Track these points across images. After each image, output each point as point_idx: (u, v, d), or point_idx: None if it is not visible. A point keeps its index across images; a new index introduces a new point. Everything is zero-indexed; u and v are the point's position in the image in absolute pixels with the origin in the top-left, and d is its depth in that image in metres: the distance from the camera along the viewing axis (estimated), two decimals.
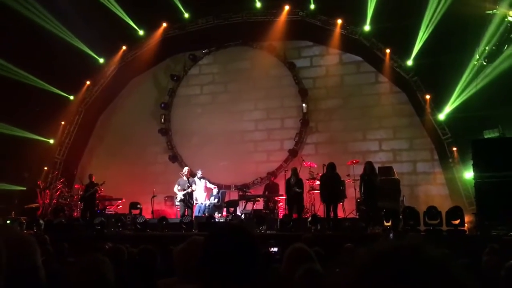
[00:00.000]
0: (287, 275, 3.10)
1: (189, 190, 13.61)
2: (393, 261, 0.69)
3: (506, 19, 12.10)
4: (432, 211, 10.31)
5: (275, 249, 7.49)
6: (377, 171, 11.81)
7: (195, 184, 13.96)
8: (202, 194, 14.45)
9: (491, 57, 12.40)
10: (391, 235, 9.62)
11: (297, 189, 12.09)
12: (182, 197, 13.53)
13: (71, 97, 17.51)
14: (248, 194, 14.52)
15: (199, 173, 14.56)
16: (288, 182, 12.44)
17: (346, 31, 15.32)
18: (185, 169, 14.44)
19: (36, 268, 1.74)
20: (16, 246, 1.67)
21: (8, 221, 13.01)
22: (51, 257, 5.26)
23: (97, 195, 14.34)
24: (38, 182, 15.90)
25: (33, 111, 15.59)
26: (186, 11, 16.89)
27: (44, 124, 16.28)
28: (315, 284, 2.66)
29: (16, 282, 1.58)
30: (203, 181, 14.59)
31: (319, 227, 11.06)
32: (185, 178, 13.84)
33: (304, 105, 16.04)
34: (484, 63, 12.52)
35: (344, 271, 0.73)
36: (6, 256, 1.37)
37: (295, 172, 12.50)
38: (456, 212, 10.23)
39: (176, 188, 13.78)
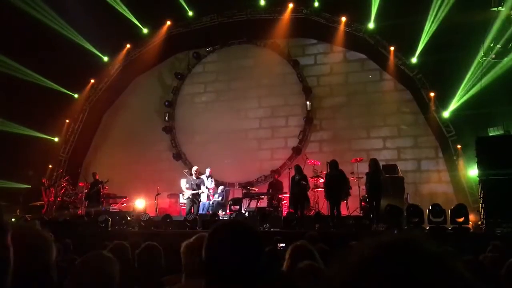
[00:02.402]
0: (289, 272, 3.11)
1: (199, 191, 13.59)
2: (392, 254, 0.70)
3: (511, 17, 12.05)
4: (436, 209, 10.28)
5: (283, 244, 7.44)
6: (381, 168, 11.78)
7: (203, 185, 13.92)
8: (205, 192, 14.38)
9: (498, 54, 12.36)
10: (395, 232, 9.59)
11: (303, 182, 12.08)
12: (190, 196, 13.55)
13: (76, 95, 17.59)
14: (252, 192, 14.52)
15: (207, 172, 14.45)
16: (292, 179, 12.44)
17: (350, 29, 15.31)
18: (194, 168, 14.41)
19: (49, 267, 1.76)
20: (32, 244, 1.69)
21: (13, 219, 13.06)
22: (56, 254, 5.28)
23: (101, 193, 14.39)
24: (43, 180, 15.94)
25: (38, 109, 15.64)
26: (190, 9, 16.91)
27: (48, 122, 16.37)
28: (314, 280, 2.67)
29: (27, 280, 1.60)
30: (210, 179, 14.44)
31: (323, 225, 11.05)
32: (194, 177, 13.85)
33: (308, 103, 16.04)
34: (491, 60, 12.47)
35: (343, 264, 0.74)
36: (22, 253, 1.38)
37: (298, 169, 12.49)
38: (460, 210, 10.20)
39: (184, 186, 13.78)
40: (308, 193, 12.62)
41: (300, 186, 12.04)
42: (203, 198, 14.14)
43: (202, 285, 1.66)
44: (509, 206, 9.73)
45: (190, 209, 13.38)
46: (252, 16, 16.60)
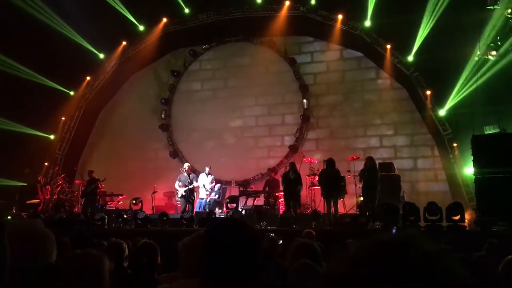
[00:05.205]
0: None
1: (191, 186, 13.60)
2: (388, 254, 0.70)
3: (506, 15, 12.09)
4: (433, 207, 10.32)
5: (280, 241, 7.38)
6: (378, 167, 11.82)
7: (196, 181, 13.93)
8: (203, 190, 14.36)
9: (494, 53, 12.40)
10: (393, 230, 9.61)
11: (299, 186, 12.17)
12: (184, 193, 13.53)
13: (72, 93, 17.49)
14: (249, 190, 14.52)
15: (206, 170, 14.41)
16: (286, 177, 12.43)
17: (346, 27, 15.30)
18: (186, 165, 14.42)
19: (49, 265, 1.75)
20: (34, 243, 1.69)
21: (9, 217, 13.02)
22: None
23: (98, 191, 14.37)
24: (39, 178, 15.90)
25: (33, 106, 15.59)
26: (187, 6, 16.85)
27: (44, 119, 16.29)
28: (309, 278, 2.67)
29: (28, 278, 1.60)
30: (210, 177, 14.41)
31: (319, 223, 11.07)
32: (185, 174, 13.82)
33: (304, 101, 16.03)
34: (487, 58, 12.50)
35: (338, 264, 0.74)
36: (24, 250, 1.37)
37: (293, 167, 12.50)
38: (456, 208, 10.24)
39: (177, 184, 13.78)
40: (304, 191, 12.67)
41: (294, 186, 12.10)
42: (202, 194, 14.11)
43: (198, 284, 1.65)
44: (504, 204, 9.77)
45: (184, 208, 13.37)
46: (248, 14, 16.55)
